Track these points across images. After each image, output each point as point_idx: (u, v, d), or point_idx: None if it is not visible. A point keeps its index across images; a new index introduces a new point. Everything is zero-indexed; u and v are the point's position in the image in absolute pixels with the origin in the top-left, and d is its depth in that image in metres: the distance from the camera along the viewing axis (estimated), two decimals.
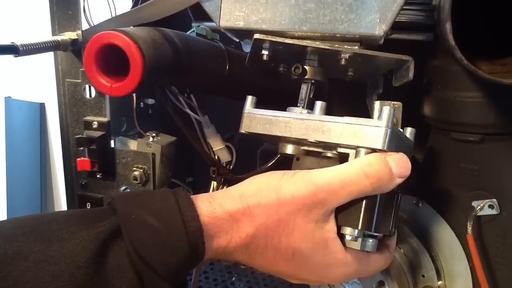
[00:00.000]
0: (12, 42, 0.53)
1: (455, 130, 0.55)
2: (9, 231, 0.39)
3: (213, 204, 0.44)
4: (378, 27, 0.49)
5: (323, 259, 0.45)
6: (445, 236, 0.59)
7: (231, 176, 0.69)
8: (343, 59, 0.51)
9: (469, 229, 0.54)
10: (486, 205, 0.55)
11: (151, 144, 0.65)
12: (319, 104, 0.49)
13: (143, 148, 0.65)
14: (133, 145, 0.66)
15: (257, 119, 0.50)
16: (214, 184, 0.70)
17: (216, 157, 0.68)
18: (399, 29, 0.57)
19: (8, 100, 2.21)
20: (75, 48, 0.62)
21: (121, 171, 0.65)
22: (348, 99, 0.72)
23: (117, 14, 0.64)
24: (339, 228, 0.45)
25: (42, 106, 2.15)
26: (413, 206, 0.61)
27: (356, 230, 0.45)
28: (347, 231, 0.45)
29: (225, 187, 0.70)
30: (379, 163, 0.44)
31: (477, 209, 0.55)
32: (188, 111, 0.66)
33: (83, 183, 0.67)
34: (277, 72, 0.57)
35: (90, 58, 0.52)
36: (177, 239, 0.40)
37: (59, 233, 0.39)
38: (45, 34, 0.61)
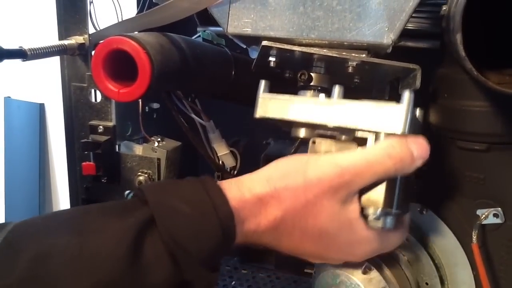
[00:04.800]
0: (20, 47, 0.53)
1: (461, 138, 0.55)
2: (44, 226, 0.40)
3: (242, 189, 0.44)
4: (386, 36, 0.49)
5: (348, 238, 0.46)
6: (449, 244, 0.59)
7: None
8: (350, 67, 0.51)
9: (474, 238, 0.55)
10: (491, 214, 0.55)
11: (157, 149, 0.64)
12: (337, 88, 0.49)
13: (148, 153, 0.65)
14: (138, 149, 0.66)
15: (273, 103, 0.50)
16: None
17: (220, 162, 0.68)
18: (405, 37, 0.57)
19: (7, 100, 2.21)
20: (82, 52, 0.61)
21: (126, 175, 0.65)
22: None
23: (123, 18, 0.64)
24: (362, 209, 0.46)
25: (41, 107, 2.15)
26: (417, 213, 0.61)
27: (379, 210, 0.46)
28: (371, 210, 0.46)
29: None
30: (401, 145, 0.45)
31: (482, 217, 0.55)
32: (193, 115, 0.66)
33: (87, 187, 0.67)
34: (283, 78, 0.57)
35: (98, 63, 0.51)
36: (210, 224, 0.41)
37: (93, 226, 0.39)
38: (51, 38, 0.61)
